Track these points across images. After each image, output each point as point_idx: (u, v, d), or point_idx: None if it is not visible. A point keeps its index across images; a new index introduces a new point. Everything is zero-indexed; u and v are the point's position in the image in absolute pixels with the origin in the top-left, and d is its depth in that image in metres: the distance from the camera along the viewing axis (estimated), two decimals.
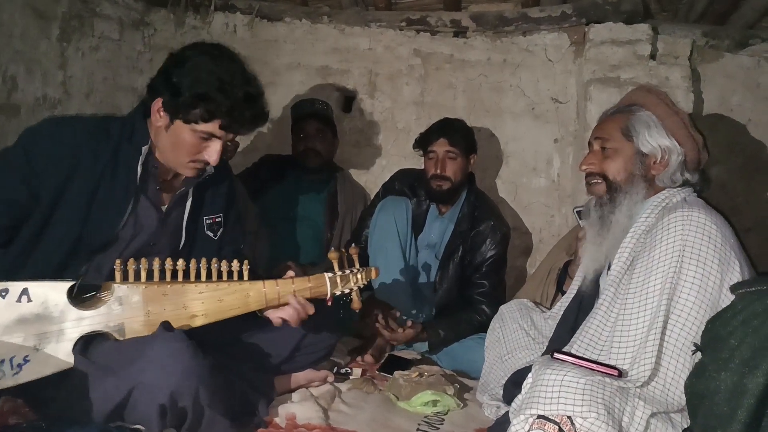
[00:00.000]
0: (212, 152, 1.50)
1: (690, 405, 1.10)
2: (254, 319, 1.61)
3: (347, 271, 1.63)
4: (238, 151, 2.61)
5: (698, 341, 1.24)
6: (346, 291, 1.63)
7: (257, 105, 1.51)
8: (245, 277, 1.52)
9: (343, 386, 1.88)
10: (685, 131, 1.57)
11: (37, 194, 1.42)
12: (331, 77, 3.10)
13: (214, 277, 1.49)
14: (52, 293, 1.33)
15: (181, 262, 1.45)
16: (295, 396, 1.73)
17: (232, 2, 3.12)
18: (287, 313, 1.57)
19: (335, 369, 1.98)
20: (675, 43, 2.64)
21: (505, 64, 2.95)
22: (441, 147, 2.33)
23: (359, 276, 1.64)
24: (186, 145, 1.48)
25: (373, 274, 1.67)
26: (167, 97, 1.45)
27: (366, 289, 2.32)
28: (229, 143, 2.41)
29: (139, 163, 1.51)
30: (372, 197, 2.72)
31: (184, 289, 1.46)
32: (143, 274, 1.42)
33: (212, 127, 1.46)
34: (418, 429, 1.67)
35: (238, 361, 1.63)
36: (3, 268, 1.39)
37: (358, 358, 2.13)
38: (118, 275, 1.40)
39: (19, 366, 1.28)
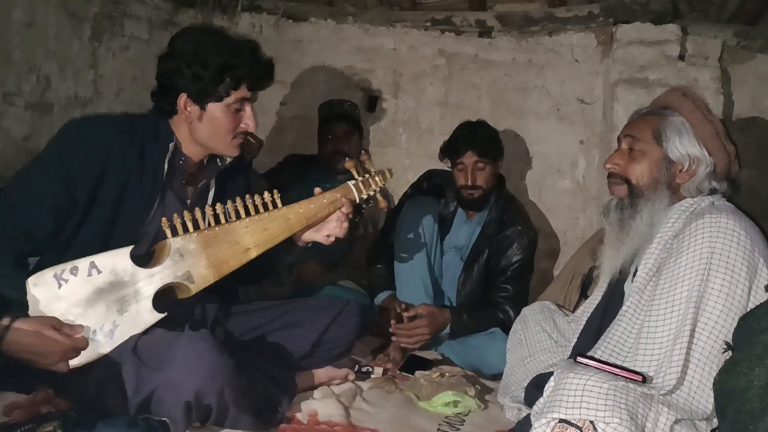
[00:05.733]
0: (248, 118, 1.58)
1: (718, 402, 1.08)
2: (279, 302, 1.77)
3: (366, 176, 1.78)
4: (262, 150, 2.63)
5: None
6: (370, 194, 1.77)
7: (263, 56, 1.59)
8: (279, 205, 1.62)
9: (365, 385, 1.89)
10: (718, 141, 1.53)
11: (75, 197, 1.46)
12: (356, 77, 3.12)
13: (252, 212, 1.57)
14: (118, 260, 1.41)
15: (219, 207, 1.53)
16: (316, 393, 1.74)
17: (259, 2, 3.16)
18: (331, 227, 1.68)
19: (356, 367, 1.99)
20: (705, 44, 2.59)
21: (530, 65, 2.93)
22: (469, 159, 2.28)
23: (377, 178, 1.79)
24: (224, 123, 1.54)
25: (388, 175, 1.82)
26: (191, 88, 1.50)
27: (387, 289, 2.37)
28: (252, 140, 2.47)
29: (166, 160, 1.55)
30: (397, 198, 2.72)
31: (232, 227, 1.54)
32: (190, 225, 1.49)
33: (242, 92, 1.53)
34: (438, 429, 1.68)
35: (260, 357, 1.65)
36: (36, 270, 1.41)
37: (380, 356, 2.14)
38: (168, 232, 1.46)
39: (111, 332, 1.38)
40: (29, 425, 1.23)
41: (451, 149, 2.35)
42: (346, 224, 1.69)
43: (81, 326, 1.34)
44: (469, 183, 2.30)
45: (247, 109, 1.57)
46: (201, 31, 1.58)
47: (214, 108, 1.52)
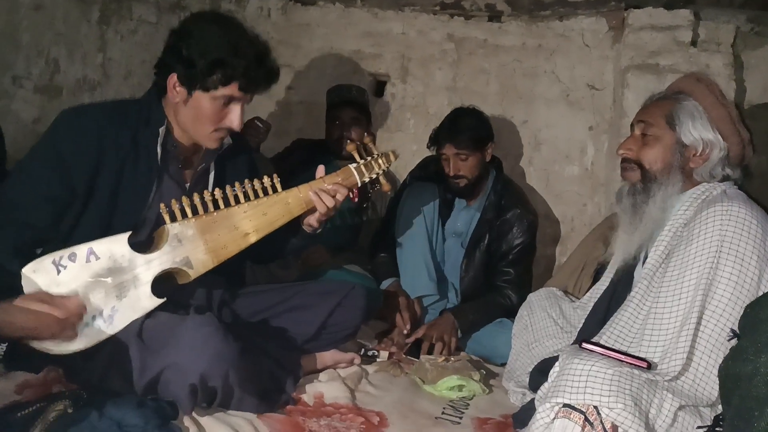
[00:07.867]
0: (234, 117, 1.53)
1: (724, 389, 1.08)
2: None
3: (369, 158, 1.76)
4: (270, 134, 2.63)
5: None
6: (373, 177, 1.75)
7: (269, 62, 1.55)
8: (279, 189, 1.60)
9: (370, 368, 1.91)
10: (732, 126, 1.52)
11: (73, 187, 1.46)
12: (364, 61, 3.10)
13: (252, 196, 1.56)
14: (116, 246, 1.41)
15: (218, 192, 1.53)
16: (322, 376, 1.76)
17: None
18: (320, 206, 1.64)
19: (362, 351, 2.01)
20: (717, 29, 2.56)
21: (540, 50, 2.90)
22: (450, 151, 2.28)
23: (380, 161, 1.77)
24: (208, 114, 1.51)
25: (392, 157, 1.80)
26: (182, 71, 1.48)
27: (391, 276, 2.37)
28: (260, 124, 2.47)
29: (158, 144, 1.54)
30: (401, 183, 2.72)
31: (230, 212, 1.54)
32: (188, 211, 1.48)
33: (231, 89, 1.49)
34: (443, 413, 1.69)
35: (266, 339, 1.66)
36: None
37: (385, 340, 2.15)
38: (166, 217, 1.46)
39: (110, 317, 1.38)
40: (40, 404, 1.25)
41: (434, 140, 2.35)
42: (331, 202, 1.65)
43: (75, 296, 1.33)
44: (452, 173, 2.30)
45: (235, 107, 1.52)
46: (215, 19, 1.54)
47: (200, 96, 1.49)
